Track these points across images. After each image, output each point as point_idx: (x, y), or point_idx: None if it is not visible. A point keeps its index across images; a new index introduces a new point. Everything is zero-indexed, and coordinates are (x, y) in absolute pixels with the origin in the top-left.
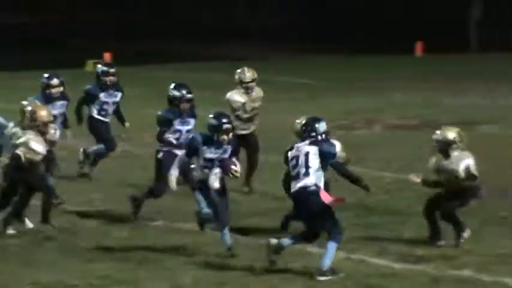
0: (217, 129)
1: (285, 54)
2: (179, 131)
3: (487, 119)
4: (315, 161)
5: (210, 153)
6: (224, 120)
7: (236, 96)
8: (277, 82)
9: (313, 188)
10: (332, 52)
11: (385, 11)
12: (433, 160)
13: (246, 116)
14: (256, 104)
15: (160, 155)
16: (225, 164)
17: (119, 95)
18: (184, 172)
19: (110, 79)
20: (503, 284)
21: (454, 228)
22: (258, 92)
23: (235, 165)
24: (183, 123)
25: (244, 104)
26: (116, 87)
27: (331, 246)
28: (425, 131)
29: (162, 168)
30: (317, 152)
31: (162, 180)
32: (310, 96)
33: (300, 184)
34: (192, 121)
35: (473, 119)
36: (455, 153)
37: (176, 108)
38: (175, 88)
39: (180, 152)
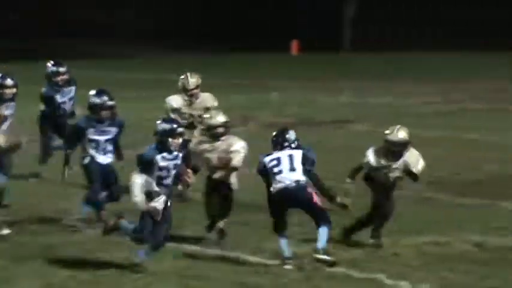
0: (170, 133)
1: (161, 52)
2: (95, 140)
3: (359, 117)
4: (299, 163)
5: (163, 161)
6: (175, 125)
7: (173, 101)
8: (155, 80)
9: (302, 183)
10: (210, 50)
11: (263, 10)
12: (379, 160)
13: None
14: (196, 112)
15: (85, 161)
16: (180, 171)
17: (73, 89)
18: (108, 181)
19: (61, 78)
20: (374, 280)
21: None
22: (204, 101)
23: (188, 174)
24: (102, 132)
25: (177, 109)
26: (69, 83)
27: (324, 230)
28: (301, 129)
29: (89, 174)
30: (301, 156)
31: (94, 185)
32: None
33: (287, 179)
34: (113, 130)
35: (346, 117)
36: (409, 152)
37: (96, 116)
38: (96, 95)
39: (103, 160)
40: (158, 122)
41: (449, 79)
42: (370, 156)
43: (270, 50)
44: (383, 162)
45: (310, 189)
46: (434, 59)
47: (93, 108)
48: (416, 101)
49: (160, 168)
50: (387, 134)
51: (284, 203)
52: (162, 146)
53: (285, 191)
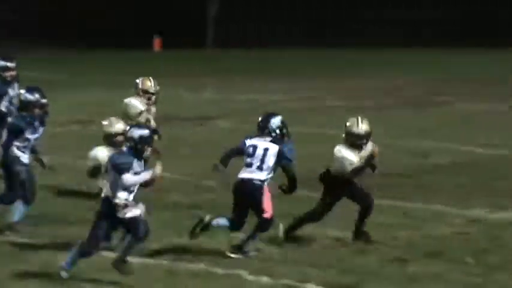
0: (148, 140)
1: (17, 48)
2: (28, 139)
3: (223, 114)
4: (271, 159)
5: (138, 168)
6: (150, 132)
7: (138, 104)
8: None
9: (259, 183)
10: (71, 48)
11: (122, 6)
12: (354, 154)
13: None
14: (151, 117)
15: (8, 161)
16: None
17: (16, 85)
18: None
19: (10, 74)
20: (236, 275)
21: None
22: (153, 107)
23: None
24: (34, 131)
25: (141, 112)
26: (16, 79)
27: (256, 233)
28: (164, 126)
29: (9, 174)
30: (276, 152)
31: (14, 188)
32: (50, 90)
33: (249, 175)
34: (41, 129)
35: (209, 113)
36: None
37: (30, 114)
38: (28, 91)
39: (26, 160)
40: (130, 129)
41: (311, 76)
42: (349, 156)
43: (132, 47)
44: (357, 155)
45: (263, 191)
46: (296, 56)
47: (27, 105)
48: (279, 97)
49: (135, 174)
50: (350, 127)
51: (238, 196)
52: (138, 154)
53: (241, 184)
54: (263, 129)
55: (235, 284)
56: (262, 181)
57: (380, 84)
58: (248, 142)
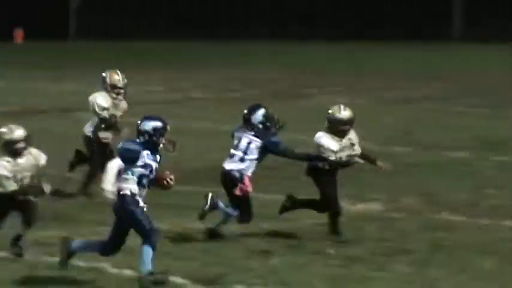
0: (163, 131)
1: None
2: None
3: (83, 106)
4: (255, 152)
5: (149, 159)
6: (164, 122)
7: (102, 99)
8: None
9: (237, 174)
10: None
11: None
12: (340, 141)
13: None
14: (119, 113)
15: None
16: (159, 174)
17: None
18: None
19: None
20: (99, 268)
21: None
22: (124, 102)
23: (170, 176)
24: None
25: (107, 109)
26: None
27: (232, 212)
28: (26, 118)
29: None
30: (260, 146)
31: None
32: None
33: (231, 166)
34: None
35: (71, 105)
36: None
37: None
38: None
39: None
40: (141, 123)
41: (174, 68)
42: (329, 144)
43: None
44: (339, 143)
45: (240, 182)
46: (161, 48)
47: None
48: (142, 89)
49: (145, 166)
50: (333, 113)
51: (223, 186)
52: (152, 146)
53: (223, 175)
54: (247, 122)
55: (98, 277)
56: (241, 171)
57: (246, 76)
58: (236, 134)
